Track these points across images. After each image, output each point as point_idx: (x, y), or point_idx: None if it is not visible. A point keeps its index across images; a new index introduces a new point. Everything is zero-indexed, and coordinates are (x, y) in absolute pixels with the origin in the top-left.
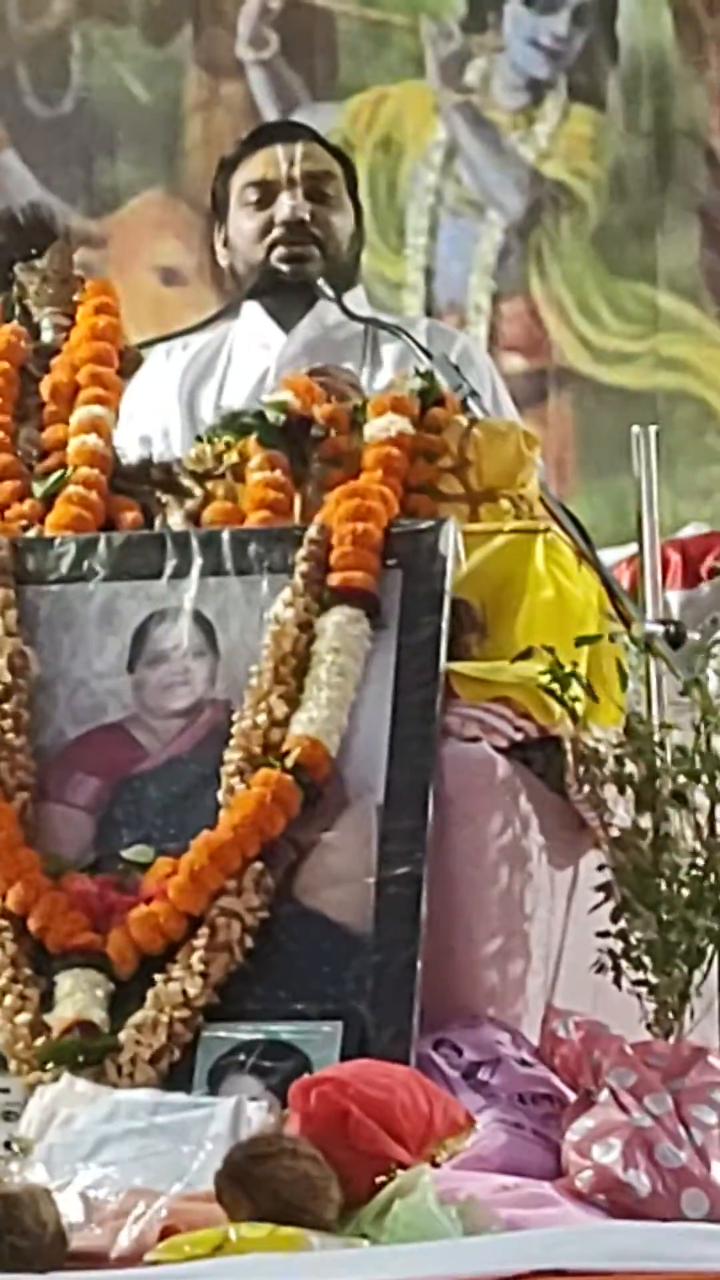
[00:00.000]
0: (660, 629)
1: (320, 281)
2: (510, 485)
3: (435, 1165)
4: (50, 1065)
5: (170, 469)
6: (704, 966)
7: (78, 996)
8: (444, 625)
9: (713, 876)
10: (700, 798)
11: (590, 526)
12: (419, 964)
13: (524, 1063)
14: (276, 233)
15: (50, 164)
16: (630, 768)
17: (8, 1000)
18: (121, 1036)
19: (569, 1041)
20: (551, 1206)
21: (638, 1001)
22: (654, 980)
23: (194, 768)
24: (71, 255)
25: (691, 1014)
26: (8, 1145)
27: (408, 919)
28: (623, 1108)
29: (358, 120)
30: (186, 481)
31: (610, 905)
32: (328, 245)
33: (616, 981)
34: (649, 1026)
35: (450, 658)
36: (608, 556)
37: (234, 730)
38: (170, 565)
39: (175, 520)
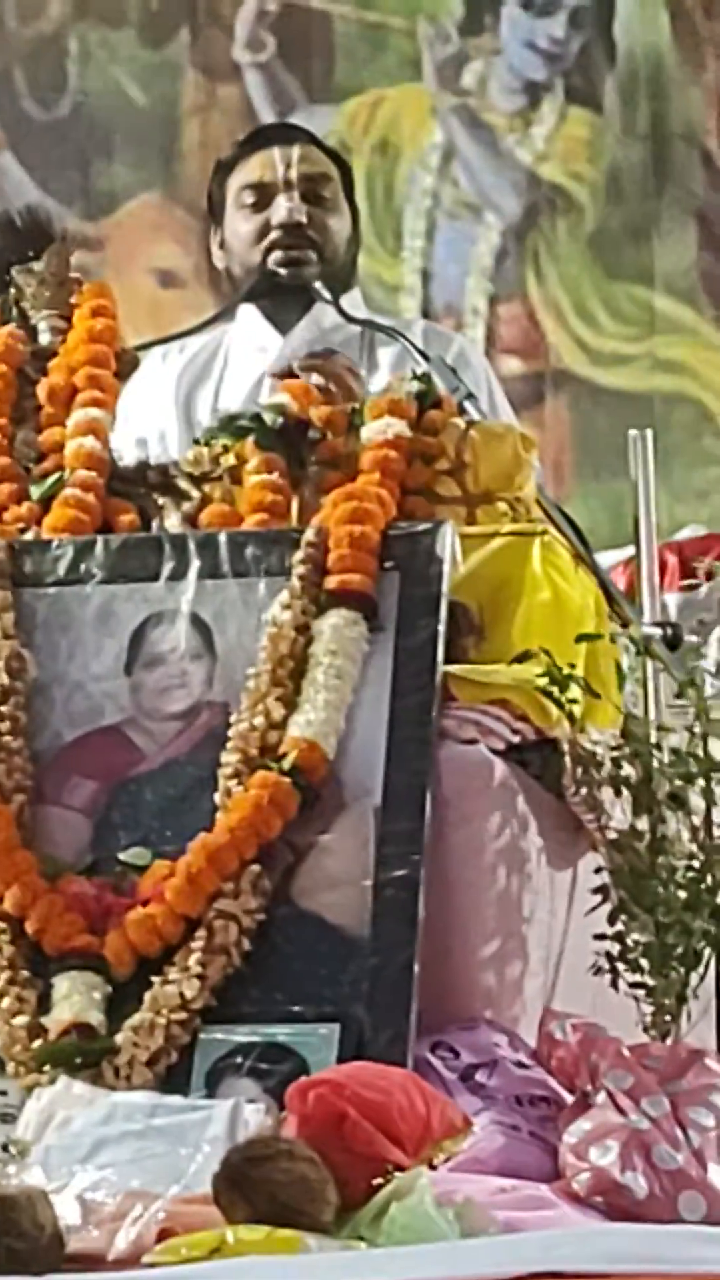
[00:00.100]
0: (657, 631)
1: (317, 284)
2: (507, 488)
3: (432, 1167)
4: (47, 1067)
5: (167, 471)
6: (700, 969)
7: (75, 999)
8: (441, 628)
9: (709, 879)
10: (696, 800)
11: (587, 529)
12: (416, 966)
13: (521, 1065)
14: (273, 235)
15: (47, 167)
16: (627, 770)
17: (5, 1003)
18: (119, 1039)
19: (566, 1044)
20: (549, 1209)
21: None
22: (651, 982)
23: (191, 770)
24: (68, 258)
25: (689, 1016)
26: (5, 1148)
27: (405, 921)
28: (620, 1110)
29: (355, 123)
30: (183, 484)
31: (607, 907)
32: (324, 248)
33: (614, 984)
34: (646, 1029)
35: (447, 660)
36: (605, 559)
37: (231, 733)
38: (167, 568)
39: (172, 523)
